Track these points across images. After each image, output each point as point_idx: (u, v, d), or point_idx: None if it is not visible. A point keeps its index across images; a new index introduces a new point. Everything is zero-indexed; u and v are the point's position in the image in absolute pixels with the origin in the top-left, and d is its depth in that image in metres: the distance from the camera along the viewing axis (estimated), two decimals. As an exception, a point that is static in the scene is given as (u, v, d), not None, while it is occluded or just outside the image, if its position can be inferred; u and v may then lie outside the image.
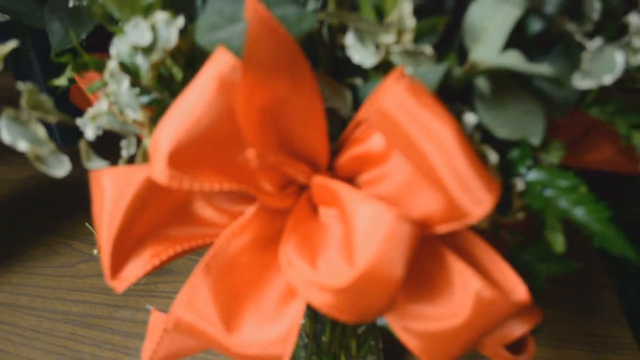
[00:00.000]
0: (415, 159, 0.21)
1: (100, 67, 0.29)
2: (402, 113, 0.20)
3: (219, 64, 0.22)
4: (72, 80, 0.53)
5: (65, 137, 0.88)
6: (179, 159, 0.22)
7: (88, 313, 0.58)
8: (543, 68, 0.20)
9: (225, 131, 0.22)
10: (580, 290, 0.58)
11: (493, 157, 0.24)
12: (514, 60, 0.23)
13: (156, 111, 0.27)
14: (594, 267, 0.61)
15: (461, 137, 0.20)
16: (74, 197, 0.77)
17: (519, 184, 0.25)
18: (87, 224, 0.71)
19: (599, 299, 0.57)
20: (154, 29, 0.23)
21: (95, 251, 0.67)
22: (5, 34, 0.75)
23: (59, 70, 0.78)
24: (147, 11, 0.25)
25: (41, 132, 0.23)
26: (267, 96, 0.22)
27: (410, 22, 0.22)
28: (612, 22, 0.28)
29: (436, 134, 0.20)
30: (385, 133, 0.22)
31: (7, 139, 0.23)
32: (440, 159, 0.20)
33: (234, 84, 0.22)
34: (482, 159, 0.24)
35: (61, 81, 0.28)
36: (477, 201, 0.20)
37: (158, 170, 0.22)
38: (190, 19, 0.27)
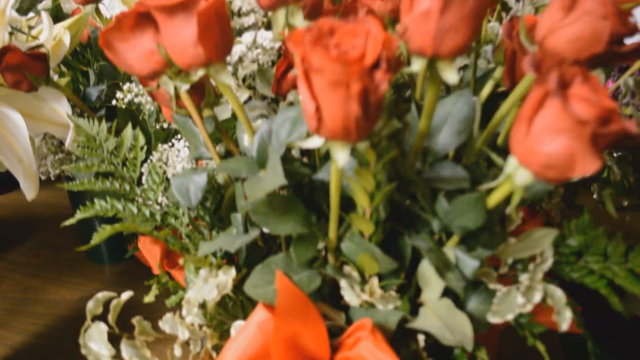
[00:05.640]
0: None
1: (176, 289, 0.43)
2: (369, 354, 0.33)
3: (259, 315, 0.35)
4: (135, 248, 0.67)
5: (112, 257, 1.04)
6: (234, 375, 0.35)
7: None
8: (455, 340, 0.33)
9: (263, 355, 0.35)
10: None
11: (435, 369, 0.37)
12: (445, 307, 0.36)
13: (215, 324, 0.41)
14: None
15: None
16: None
17: (455, 383, 0.38)
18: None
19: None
20: (218, 286, 0.37)
21: None
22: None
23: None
24: (211, 265, 0.39)
25: (147, 352, 0.36)
26: (289, 332, 0.36)
27: (378, 290, 0.35)
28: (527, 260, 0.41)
29: (390, 368, 0.33)
30: (361, 363, 0.35)
31: (126, 357, 0.36)
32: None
33: (268, 327, 0.35)
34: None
35: (149, 298, 0.42)
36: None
37: (221, 382, 0.35)
38: (237, 267, 0.41)
